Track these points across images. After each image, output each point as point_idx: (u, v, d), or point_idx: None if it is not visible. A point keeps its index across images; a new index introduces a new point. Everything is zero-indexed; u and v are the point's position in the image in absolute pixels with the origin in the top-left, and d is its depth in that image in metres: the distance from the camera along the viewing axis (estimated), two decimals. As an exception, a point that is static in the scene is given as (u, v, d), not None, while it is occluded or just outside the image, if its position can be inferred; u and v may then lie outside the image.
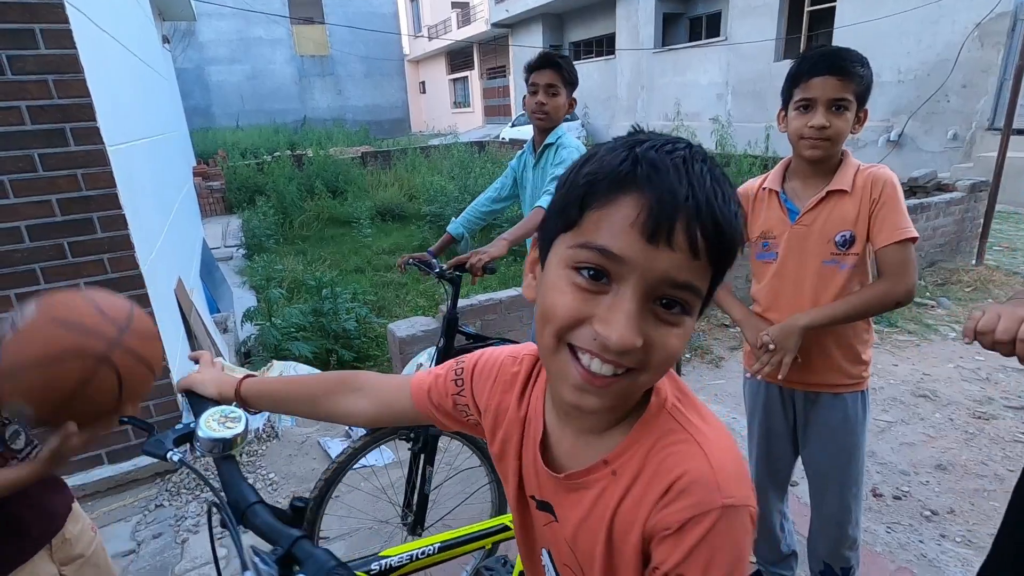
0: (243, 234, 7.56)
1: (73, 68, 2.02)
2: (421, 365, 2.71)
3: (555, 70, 2.04)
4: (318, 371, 3.09)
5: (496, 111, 26.08)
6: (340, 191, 9.89)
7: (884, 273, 1.33)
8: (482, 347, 0.89)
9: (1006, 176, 5.09)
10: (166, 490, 2.38)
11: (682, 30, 15.72)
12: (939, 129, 9.32)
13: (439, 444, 1.79)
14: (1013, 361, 3.40)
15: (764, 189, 1.50)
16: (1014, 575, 1.06)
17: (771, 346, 1.38)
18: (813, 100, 1.30)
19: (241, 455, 2.63)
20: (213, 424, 0.80)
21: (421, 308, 5.02)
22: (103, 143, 2.12)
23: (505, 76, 24.80)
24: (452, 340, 1.86)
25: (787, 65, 1.37)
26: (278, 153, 12.00)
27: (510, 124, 18.75)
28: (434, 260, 1.98)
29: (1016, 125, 5.13)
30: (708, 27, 14.71)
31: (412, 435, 1.76)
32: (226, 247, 7.30)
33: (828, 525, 1.56)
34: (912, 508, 2.23)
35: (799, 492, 2.25)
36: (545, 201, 2.03)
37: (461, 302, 2.78)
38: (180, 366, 2.65)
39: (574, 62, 2.25)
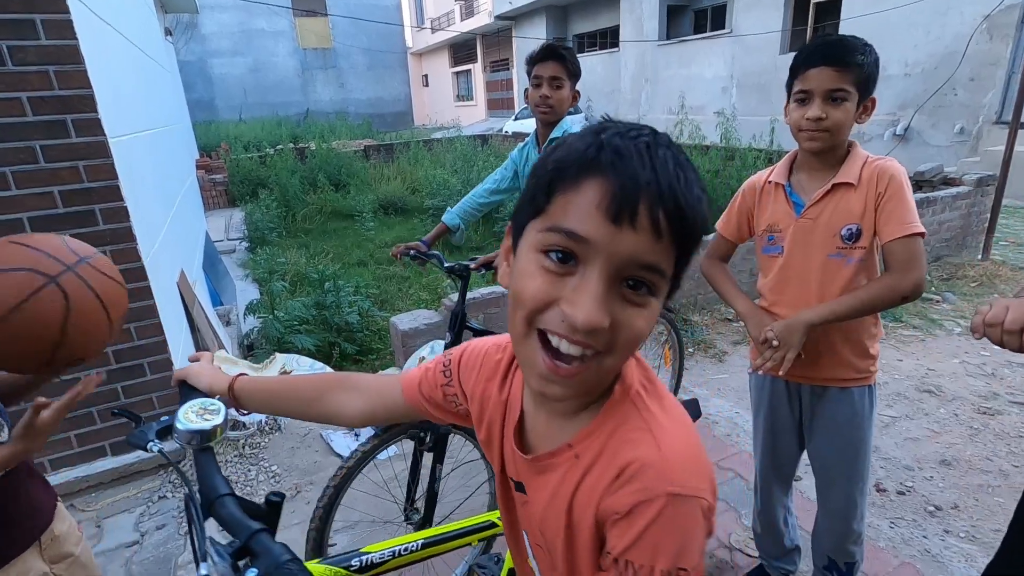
0: (246, 227, 7.56)
1: (74, 59, 2.00)
2: (423, 358, 2.71)
3: (559, 62, 1.98)
4: (321, 363, 3.10)
5: (499, 104, 25.97)
6: (343, 184, 9.87)
7: (891, 267, 1.31)
8: None
9: (1013, 170, 5.04)
10: (169, 481, 2.39)
11: (687, 22, 15.59)
12: (946, 123, 9.24)
13: (427, 439, 1.74)
14: (1019, 357, 3.39)
15: (770, 182, 1.48)
16: None
17: (775, 342, 1.37)
18: (810, 92, 1.28)
19: (244, 447, 2.63)
20: (191, 416, 0.80)
21: (424, 301, 5.01)
22: (104, 135, 2.11)
23: (508, 69, 24.67)
24: (460, 335, 1.85)
25: (792, 58, 1.36)
26: (281, 146, 11.97)
27: (513, 118, 18.67)
28: (439, 253, 1.97)
29: (1024, 119, 5.07)
30: (713, 19, 14.58)
31: (422, 434, 1.73)
32: (229, 240, 7.31)
33: (833, 520, 1.55)
34: (916, 503, 2.23)
35: (802, 487, 2.25)
36: None
37: (464, 295, 2.78)
38: (183, 359, 2.65)
39: (577, 55, 2.21)
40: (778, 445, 1.64)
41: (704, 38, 14.09)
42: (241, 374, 0.92)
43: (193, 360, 0.97)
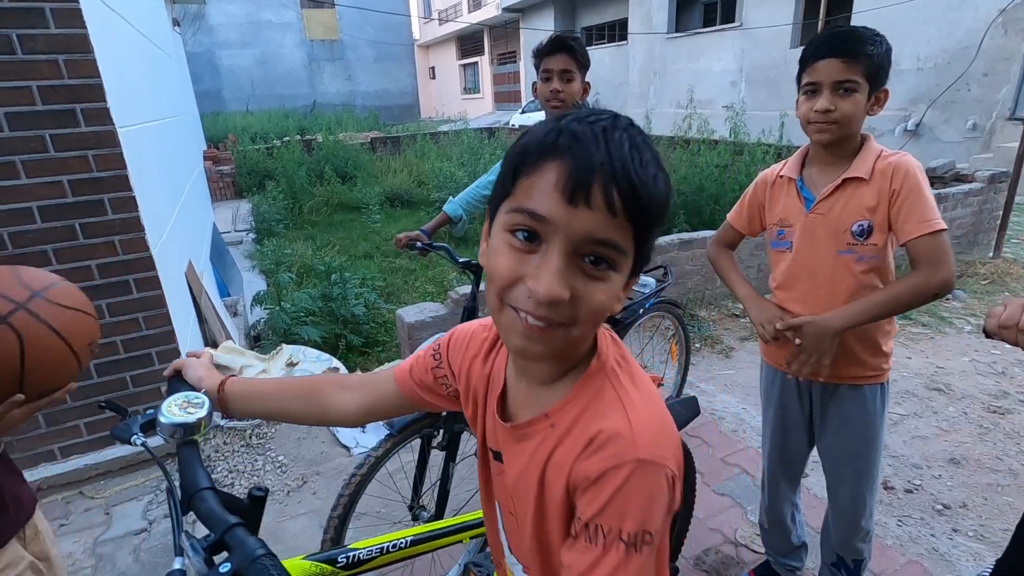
0: (253, 218, 7.58)
1: (83, 48, 2.00)
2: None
3: (569, 54, 1.92)
4: (327, 355, 3.10)
5: (506, 97, 25.88)
6: (349, 176, 9.86)
7: (917, 265, 1.27)
8: None
9: (1027, 167, 4.98)
10: (177, 470, 2.40)
11: (696, 15, 15.45)
12: (958, 118, 9.13)
13: (440, 436, 1.72)
14: (1029, 355, 3.33)
15: (781, 177, 1.46)
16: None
17: (796, 341, 1.36)
18: (819, 83, 1.26)
19: (251, 437, 2.65)
20: (175, 409, 0.79)
21: (430, 294, 5.01)
22: (113, 124, 2.11)
23: (516, 62, 24.56)
24: None
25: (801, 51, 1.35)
26: (288, 138, 11.96)
27: (520, 111, 18.62)
28: (449, 247, 1.96)
29: (1039, 114, 5.01)
30: (723, 12, 14.44)
31: (435, 432, 1.69)
32: (236, 231, 7.32)
33: (842, 517, 1.54)
34: (924, 502, 2.21)
35: (808, 484, 2.24)
36: None
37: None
38: (190, 349, 2.66)
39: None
40: (787, 442, 1.63)
41: (714, 31, 13.96)
42: (232, 375, 0.90)
43: (191, 356, 0.95)
